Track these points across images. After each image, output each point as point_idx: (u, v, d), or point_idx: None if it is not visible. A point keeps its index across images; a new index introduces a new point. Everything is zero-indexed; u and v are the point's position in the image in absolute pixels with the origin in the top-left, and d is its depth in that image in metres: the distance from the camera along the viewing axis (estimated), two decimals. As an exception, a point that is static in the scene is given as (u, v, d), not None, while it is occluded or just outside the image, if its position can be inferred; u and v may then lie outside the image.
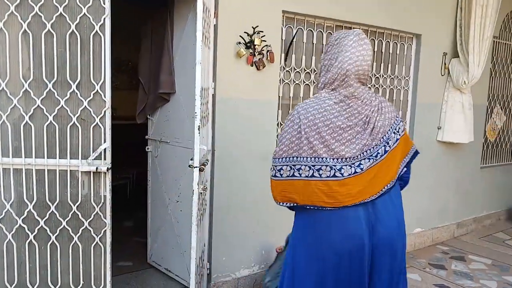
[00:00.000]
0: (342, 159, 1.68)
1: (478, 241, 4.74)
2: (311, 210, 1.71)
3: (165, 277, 3.42)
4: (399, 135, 1.82)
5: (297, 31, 3.38)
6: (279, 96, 3.36)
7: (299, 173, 1.70)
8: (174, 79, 3.22)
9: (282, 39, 3.30)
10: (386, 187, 1.73)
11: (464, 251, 4.42)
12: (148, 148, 3.61)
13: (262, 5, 3.06)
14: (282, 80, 3.37)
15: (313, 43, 3.51)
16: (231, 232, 3.14)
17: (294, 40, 3.38)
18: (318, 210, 1.69)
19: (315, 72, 3.55)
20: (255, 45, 3.02)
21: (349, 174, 1.66)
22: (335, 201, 1.66)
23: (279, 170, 1.74)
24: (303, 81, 3.49)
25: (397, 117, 1.85)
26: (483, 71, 4.46)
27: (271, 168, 1.78)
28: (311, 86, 3.55)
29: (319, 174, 1.67)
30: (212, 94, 2.92)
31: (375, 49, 3.90)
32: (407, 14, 3.94)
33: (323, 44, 3.56)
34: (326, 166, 1.66)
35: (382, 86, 4.02)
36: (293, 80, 3.44)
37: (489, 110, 5.15)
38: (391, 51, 4.03)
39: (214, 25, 2.88)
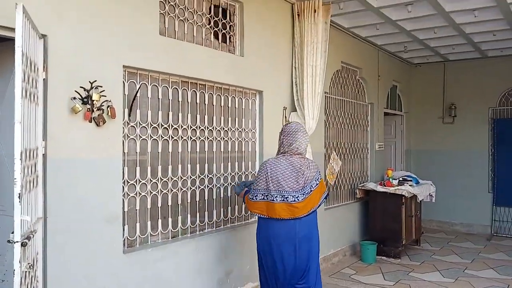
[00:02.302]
0: (287, 191, 3.05)
1: (328, 279, 5.08)
2: (266, 218, 3.13)
3: None
4: (317, 182, 3.18)
5: (140, 86, 3.32)
6: (124, 152, 3.19)
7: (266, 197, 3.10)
8: (-3, 137, 2.82)
9: (124, 94, 3.19)
10: (309, 211, 3.13)
11: (317, 291, 4.65)
12: (-36, 220, 3.03)
13: (100, 59, 2.94)
14: (127, 135, 3.23)
15: (158, 98, 3.48)
16: (71, 310, 2.76)
17: (138, 95, 3.30)
18: (270, 218, 3.11)
19: (163, 127, 3.50)
20: (93, 100, 2.85)
21: (292, 201, 3.04)
22: (280, 216, 3.07)
23: (256, 196, 3.13)
24: (150, 136, 3.40)
25: (316, 171, 3.20)
26: (319, 123, 4.99)
27: (249, 193, 3.20)
28: (160, 141, 3.47)
29: (276, 199, 3.06)
30: (43, 154, 2.62)
31: (222, 104, 4.06)
32: (249, 73, 4.23)
33: (169, 99, 3.56)
34: (278, 195, 3.06)
35: (231, 139, 4.16)
36: (139, 135, 3.32)
37: (326, 157, 5.74)
38: (237, 106, 4.24)
39: (44, 79, 2.64)
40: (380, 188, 6.02)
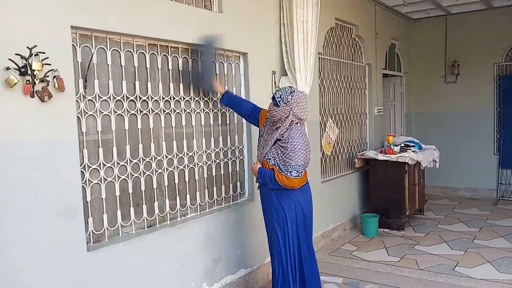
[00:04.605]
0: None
1: (328, 258, 4.69)
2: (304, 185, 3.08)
3: None
4: None
5: (96, 51, 2.75)
6: (82, 132, 2.67)
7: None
8: None
9: (77, 62, 2.63)
10: None
11: (316, 272, 4.26)
12: None
13: (41, 19, 2.36)
14: (84, 111, 2.70)
15: (121, 65, 2.92)
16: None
17: (94, 62, 2.74)
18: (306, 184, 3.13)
19: (129, 99, 2.96)
20: (34, 70, 2.30)
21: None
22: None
23: (301, 172, 2.94)
24: (114, 110, 2.87)
25: None
26: (313, 87, 4.46)
27: (292, 172, 2.89)
28: (126, 117, 2.94)
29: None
30: (-31, 140, 2.10)
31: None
32: (229, 32, 3.64)
33: (135, 66, 3.00)
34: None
35: (212, 110, 3.63)
36: (100, 111, 2.79)
37: (322, 125, 5.24)
38: (218, 71, 3.67)
39: (-37, 45, 2.08)
40: (381, 157, 5.55)
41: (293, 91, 2.95)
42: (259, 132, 3.25)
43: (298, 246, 3.06)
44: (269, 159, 2.98)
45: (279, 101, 2.93)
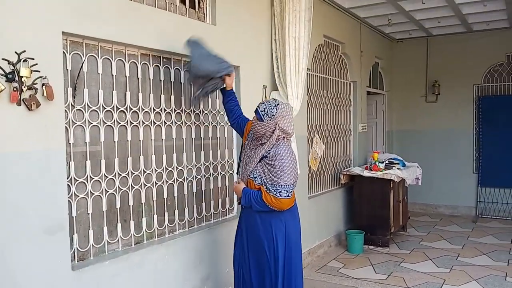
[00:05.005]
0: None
1: (316, 275, 4.61)
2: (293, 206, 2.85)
3: None
4: None
5: (86, 58, 2.64)
6: (69, 143, 2.54)
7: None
8: None
9: (66, 69, 2.52)
10: None
11: (304, 291, 4.17)
12: None
13: (31, 24, 2.25)
14: (72, 121, 2.57)
15: (112, 75, 2.81)
16: None
17: (85, 70, 2.63)
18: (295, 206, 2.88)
19: (119, 110, 2.84)
20: (22, 76, 2.18)
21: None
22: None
23: (291, 192, 2.69)
24: (103, 121, 2.75)
25: None
26: (302, 103, 4.43)
27: (281, 192, 2.63)
28: (116, 128, 2.82)
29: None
30: (-51, 150, 1.95)
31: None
32: (222, 45, 3.58)
33: (126, 76, 2.90)
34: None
35: (203, 123, 3.55)
36: (89, 121, 2.67)
37: (309, 141, 5.21)
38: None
39: None
40: (367, 173, 5.56)
41: (278, 104, 2.70)
42: (242, 146, 3.01)
43: (283, 268, 2.76)
44: (255, 177, 2.70)
45: (263, 115, 2.66)
